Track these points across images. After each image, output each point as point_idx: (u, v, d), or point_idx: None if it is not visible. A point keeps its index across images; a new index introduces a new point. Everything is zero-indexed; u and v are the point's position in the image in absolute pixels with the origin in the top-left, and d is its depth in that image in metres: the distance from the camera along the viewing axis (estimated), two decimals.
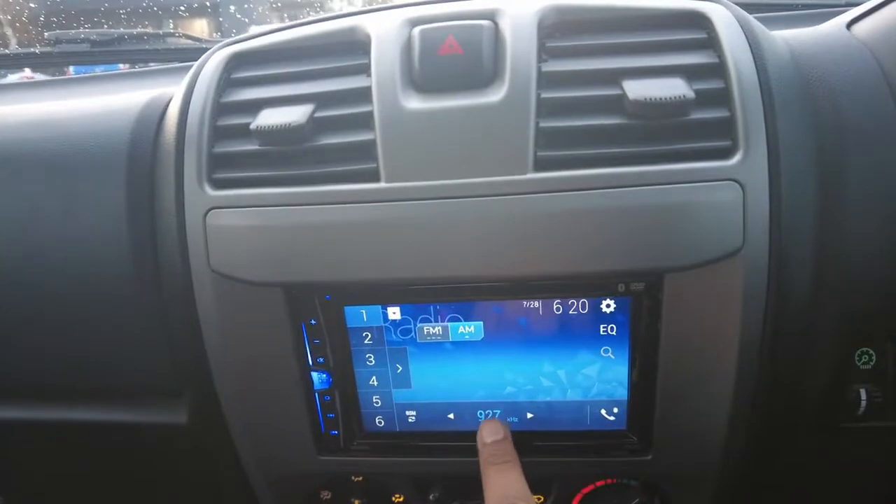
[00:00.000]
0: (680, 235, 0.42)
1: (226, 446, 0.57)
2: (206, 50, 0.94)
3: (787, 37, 0.50)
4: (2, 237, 0.55)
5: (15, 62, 1.02)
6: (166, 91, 0.57)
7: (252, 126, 0.46)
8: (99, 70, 1.12)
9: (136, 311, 0.53)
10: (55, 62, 1.02)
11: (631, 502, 0.54)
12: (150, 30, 1.05)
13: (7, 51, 1.01)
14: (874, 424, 0.49)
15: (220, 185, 0.48)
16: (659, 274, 0.44)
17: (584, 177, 0.42)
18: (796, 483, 0.57)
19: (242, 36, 0.54)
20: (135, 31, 1.02)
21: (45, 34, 0.98)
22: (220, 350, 0.51)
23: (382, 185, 0.44)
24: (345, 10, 0.52)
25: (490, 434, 0.48)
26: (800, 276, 0.44)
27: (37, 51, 1.02)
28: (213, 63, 0.51)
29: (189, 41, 1.03)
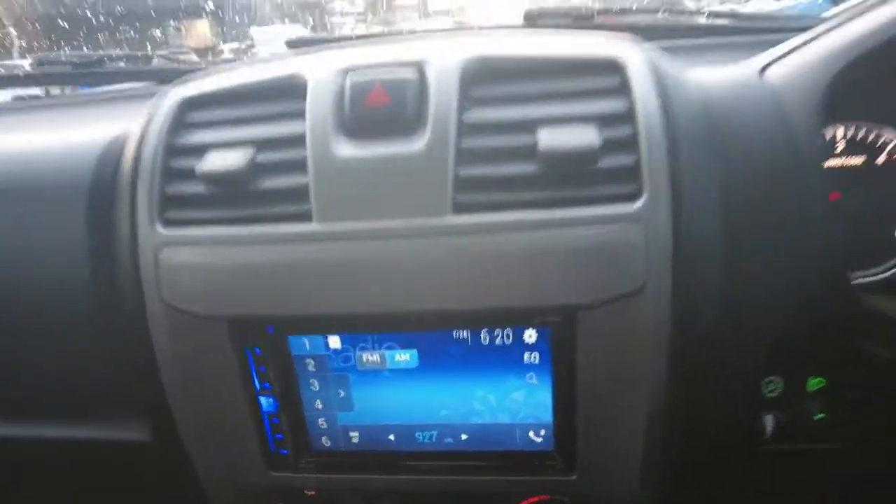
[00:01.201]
0: (587, 275, 0.45)
1: (187, 463, 0.61)
2: (183, 72, 0.97)
3: (702, 80, 0.53)
4: None
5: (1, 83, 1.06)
6: (126, 129, 0.61)
7: (197, 170, 0.49)
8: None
9: (93, 336, 0.57)
10: (40, 82, 1.06)
11: None
12: (128, 52, 1.09)
13: None
14: (784, 448, 0.52)
15: (170, 223, 0.51)
16: (571, 308, 0.47)
17: (499, 221, 0.45)
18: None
19: (195, 75, 0.58)
20: (114, 53, 1.06)
21: (28, 57, 1.01)
22: (173, 375, 0.55)
23: (314, 226, 0.48)
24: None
25: None
26: (704, 311, 0.47)
27: (20, 73, 1.06)
28: (165, 106, 0.55)
29: (167, 62, 1.07)
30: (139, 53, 1.05)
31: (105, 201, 0.56)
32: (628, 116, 0.47)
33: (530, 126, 0.47)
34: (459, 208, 0.46)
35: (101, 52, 1.05)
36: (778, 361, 0.50)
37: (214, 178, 0.49)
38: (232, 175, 0.48)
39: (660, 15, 0.93)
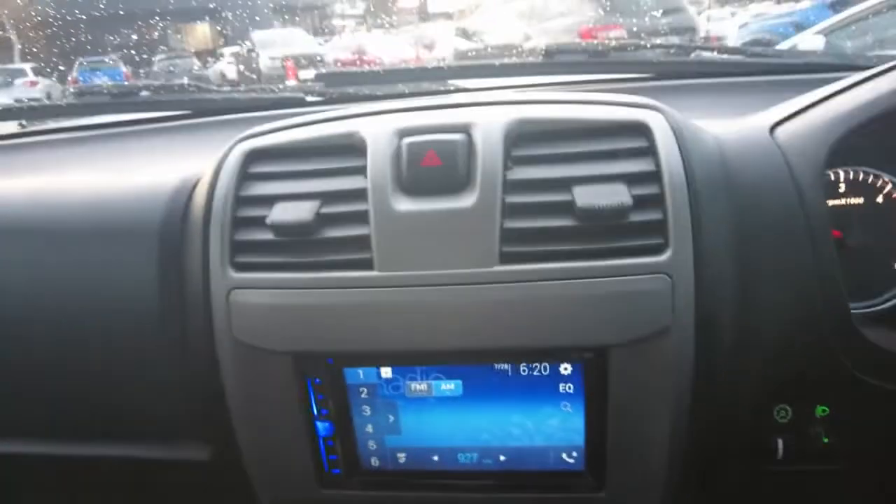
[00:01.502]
0: (619, 318, 0.51)
1: (241, 481, 0.66)
2: (210, 102, 1.02)
3: (719, 136, 0.59)
4: (46, 294, 0.64)
5: (42, 113, 1.11)
6: (189, 176, 0.66)
7: (268, 221, 0.55)
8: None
9: (161, 366, 0.62)
10: (79, 112, 1.11)
11: None
12: (164, 82, 1.15)
13: (35, 103, 1.10)
14: (794, 468, 0.58)
15: (240, 267, 0.57)
16: (604, 347, 0.53)
17: (541, 270, 0.51)
18: None
19: (258, 129, 0.63)
20: (151, 83, 1.12)
21: (71, 88, 1.07)
22: (239, 402, 0.60)
23: (375, 273, 0.53)
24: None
25: None
26: (722, 349, 0.53)
27: (62, 103, 1.11)
28: (233, 158, 0.60)
29: (201, 93, 1.12)
30: (175, 84, 1.10)
31: (174, 243, 0.61)
32: (655, 176, 0.53)
33: (567, 184, 0.53)
34: (506, 258, 0.52)
35: (136, 82, 1.11)
36: (787, 390, 0.56)
37: (283, 229, 0.54)
38: (300, 226, 0.54)
39: (671, 52, 0.99)
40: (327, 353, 0.56)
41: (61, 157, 0.95)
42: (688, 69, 0.97)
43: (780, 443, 0.56)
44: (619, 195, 0.51)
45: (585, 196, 0.51)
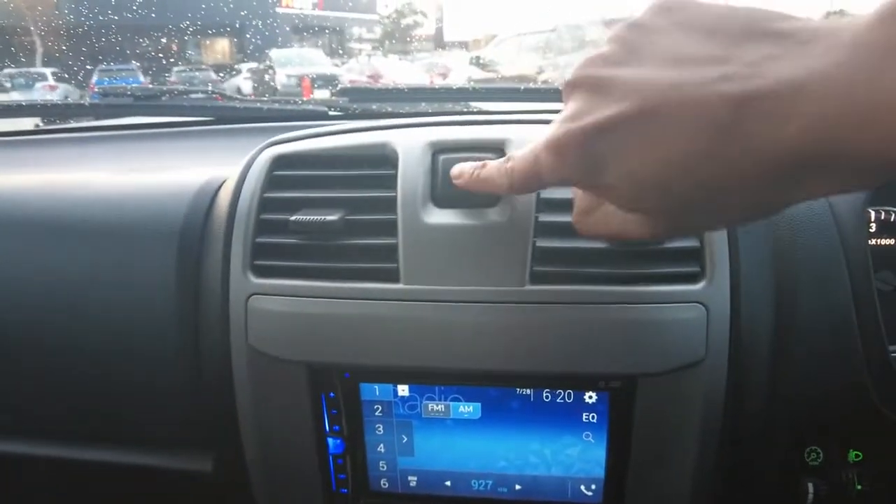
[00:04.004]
0: (651, 347, 0.49)
1: (245, 495, 0.64)
2: (232, 109, 1.02)
3: None
4: (61, 294, 0.63)
5: (66, 112, 1.11)
6: (214, 177, 0.65)
7: (292, 218, 0.54)
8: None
9: (173, 370, 0.60)
10: (101, 113, 1.12)
11: None
12: (187, 87, 1.15)
13: (59, 101, 1.10)
14: None
15: (260, 272, 0.56)
16: (633, 377, 0.51)
17: (572, 292, 0.50)
18: None
19: (287, 136, 0.62)
20: (175, 88, 1.12)
21: (95, 88, 1.07)
22: (249, 412, 0.58)
23: (401, 286, 0.52)
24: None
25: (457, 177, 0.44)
26: (755, 387, 0.51)
27: (86, 102, 1.12)
28: (260, 161, 0.59)
29: (225, 100, 1.13)
30: (198, 90, 1.11)
31: (194, 246, 0.60)
32: None
33: None
34: (536, 278, 0.50)
35: (160, 86, 1.11)
36: (819, 432, 0.54)
37: (307, 228, 0.53)
38: (324, 226, 0.52)
39: None
40: (345, 366, 0.55)
41: (83, 154, 0.95)
42: None
43: (811, 486, 0.54)
44: None
45: None
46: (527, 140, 0.54)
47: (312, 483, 0.60)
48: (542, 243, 0.51)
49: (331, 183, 0.57)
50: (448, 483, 0.59)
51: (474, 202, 0.52)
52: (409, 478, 0.60)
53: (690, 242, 0.50)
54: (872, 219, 0.65)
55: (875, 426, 0.53)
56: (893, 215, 0.65)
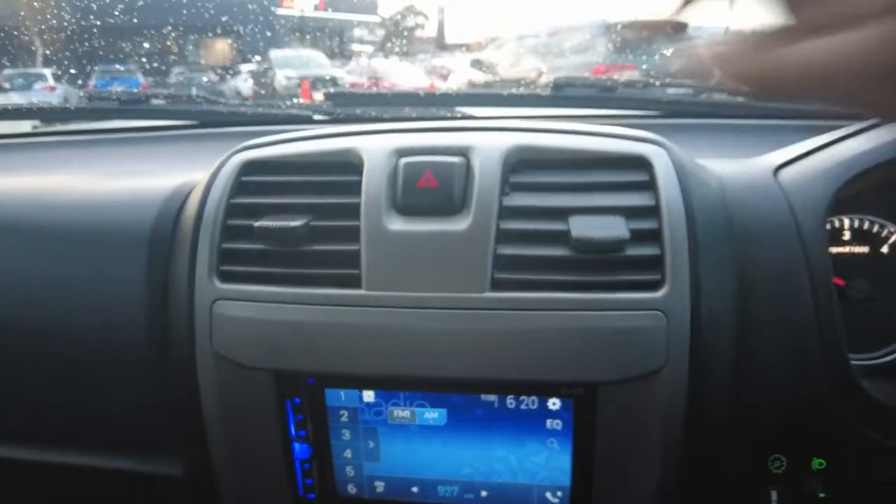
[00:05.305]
0: (611, 355, 0.49)
1: (212, 499, 0.64)
2: (217, 114, 1.03)
3: (721, 175, 0.58)
4: (33, 300, 0.63)
5: (51, 115, 1.12)
6: (185, 183, 0.65)
7: (256, 224, 0.54)
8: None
9: (143, 375, 0.61)
10: (89, 116, 1.12)
11: None
12: (174, 92, 1.15)
13: (45, 105, 1.10)
14: None
15: (226, 277, 0.56)
16: (594, 384, 0.51)
17: (533, 299, 0.50)
18: None
19: (257, 141, 0.63)
20: (160, 92, 1.13)
21: (80, 93, 1.08)
22: (215, 418, 0.58)
23: (363, 292, 0.52)
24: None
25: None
26: (717, 395, 0.51)
27: (71, 106, 1.12)
28: (229, 167, 0.59)
29: (209, 104, 1.13)
30: (184, 94, 1.11)
31: (163, 252, 0.60)
32: (654, 211, 0.52)
33: (564, 213, 0.52)
34: (497, 285, 0.50)
35: (158, 87, 1.12)
36: (783, 440, 0.54)
37: (271, 234, 0.53)
38: (288, 232, 0.53)
39: (680, 91, 0.99)
40: (308, 372, 0.55)
41: (62, 159, 0.95)
42: (695, 109, 0.97)
43: (775, 494, 0.54)
44: (616, 228, 0.50)
45: (581, 227, 0.50)
46: (491, 147, 0.54)
47: (280, 487, 0.60)
48: (503, 250, 0.51)
49: (298, 189, 0.57)
50: (415, 489, 0.59)
51: (436, 209, 0.52)
52: (376, 483, 0.60)
53: (651, 250, 0.50)
54: (847, 227, 0.65)
55: (838, 434, 0.53)
56: (867, 224, 0.65)
